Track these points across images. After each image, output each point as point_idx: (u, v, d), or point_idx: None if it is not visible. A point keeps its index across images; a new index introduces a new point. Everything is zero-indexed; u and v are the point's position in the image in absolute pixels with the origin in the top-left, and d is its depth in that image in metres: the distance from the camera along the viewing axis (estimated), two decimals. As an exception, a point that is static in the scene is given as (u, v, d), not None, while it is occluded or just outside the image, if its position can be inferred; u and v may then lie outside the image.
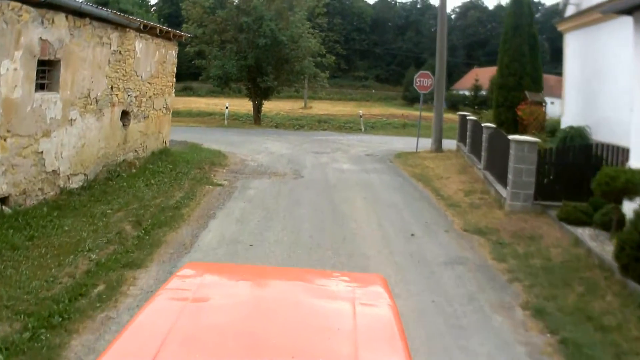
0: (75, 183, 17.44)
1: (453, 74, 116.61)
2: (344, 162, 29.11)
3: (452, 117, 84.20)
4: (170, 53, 26.55)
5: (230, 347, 3.14)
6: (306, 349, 3.16)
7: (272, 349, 3.11)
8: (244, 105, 55.23)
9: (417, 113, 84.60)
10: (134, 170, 21.31)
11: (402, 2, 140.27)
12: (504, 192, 18.77)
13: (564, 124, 23.96)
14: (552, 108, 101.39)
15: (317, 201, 18.99)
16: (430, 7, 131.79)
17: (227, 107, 49.24)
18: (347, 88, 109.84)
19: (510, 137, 18.61)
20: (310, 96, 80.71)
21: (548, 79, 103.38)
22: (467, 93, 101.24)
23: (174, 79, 27.74)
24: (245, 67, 48.14)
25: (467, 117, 30.35)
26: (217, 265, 6.87)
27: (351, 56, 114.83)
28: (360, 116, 49.39)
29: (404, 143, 38.39)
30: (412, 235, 14.92)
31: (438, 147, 33.50)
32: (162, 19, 75.73)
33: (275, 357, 3.02)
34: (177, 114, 60.99)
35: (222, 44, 49.60)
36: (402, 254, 13.29)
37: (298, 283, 4.53)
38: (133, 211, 15.66)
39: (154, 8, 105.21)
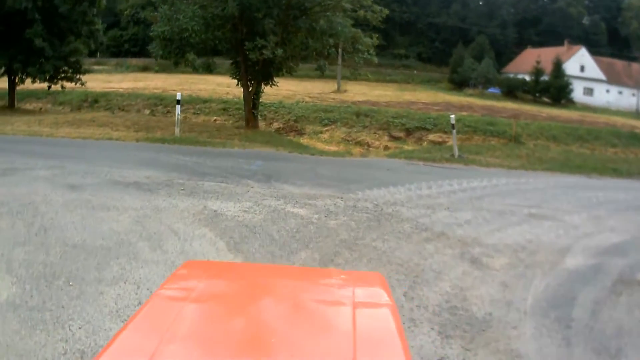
0: None
1: (503, 55, 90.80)
2: None
3: (512, 105, 60.44)
4: None
5: (228, 345, 2.76)
6: (305, 348, 2.75)
7: (271, 347, 2.74)
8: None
9: (480, 102, 60.95)
10: None
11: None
12: None
13: None
14: (621, 98, 76.45)
15: None
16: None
17: (178, 102, 21.38)
18: (386, 68, 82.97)
19: None
20: (344, 75, 55.29)
21: (614, 63, 79.07)
22: (526, 77, 75.03)
23: None
24: (223, 20, 21.73)
25: None
26: (215, 264, 5.86)
27: (390, 31, 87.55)
28: (453, 127, 20.30)
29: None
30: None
31: None
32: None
33: (274, 356, 2.65)
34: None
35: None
36: None
37: (297, 281, 3.89)
38: None
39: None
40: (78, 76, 32.42)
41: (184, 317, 2.96)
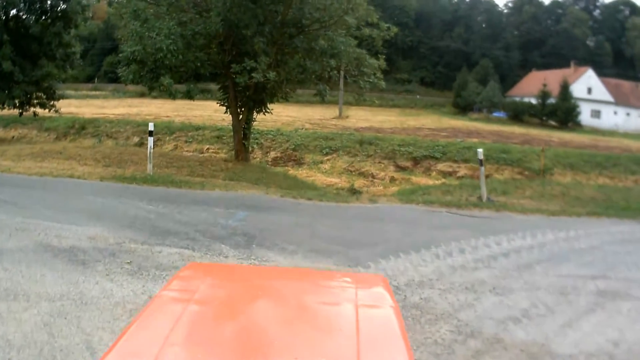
0: None
1: (507, 78, 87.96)
2: None
3: (520, 130, 57.39)
4: None
5: (231, 347, 2.73)
6: (308, 350, 2.72)
7: (274, 349, 2.67)
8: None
9: (487, 127, 57.83)
10: None
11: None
12: None
13: None
14: (629, 120, 73.96)
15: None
16: (480, 0, 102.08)
17: (150, 133, 17.43)
18: (388, 93, 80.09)
19: None
20: (346, 100, 52.82)
21: (621, 84, 76.26)
22: (532, 101, 72.15)
23: None
24: (207, 39, 18.58)
25: None
26: (218, 266, 6.09)
27: (392, 55, 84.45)
28: (481, 163, 15.70)
29: None
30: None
31: None
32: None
33: (277, 358, 2.58)
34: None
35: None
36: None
37: (300, 283, 3.79)
38: None
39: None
40: (52, 102, 29.14)
41: (186, 319, 2.89)
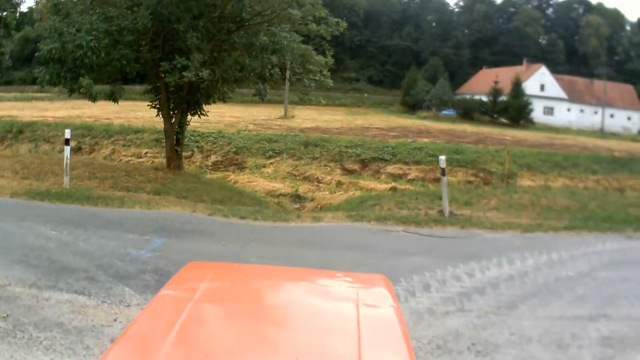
0: None
1: (457, 76, 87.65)
2: None
3: (471, 128, 56.27)
4: None
5: (233, 346, 2.68)
6: (309, 350, 2.66)
7: (276, 349, 2.65)
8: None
9: (437, 126, 56.56)
10: None
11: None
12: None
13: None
14: (582, 117, 73.51)
15: None
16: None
17: (67, 142, 14.61)
18: (335, 91, 79.02)
19: None
20: (292, 100, 51.13)
21: (575, 81, 75.97)
22: (482, 98, 71.43)
23: None
24: (135, 35, 16.68)
25: None
26: (219, 265, 5.20)
27: (340, 54, 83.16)
28: (443, 172, 13.74)
29: None
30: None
31: None
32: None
33: (279, 358, 2.58)
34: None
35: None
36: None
37: (301, 283, 3.79)
38: None
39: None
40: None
41: (187, 318, 2.83)
